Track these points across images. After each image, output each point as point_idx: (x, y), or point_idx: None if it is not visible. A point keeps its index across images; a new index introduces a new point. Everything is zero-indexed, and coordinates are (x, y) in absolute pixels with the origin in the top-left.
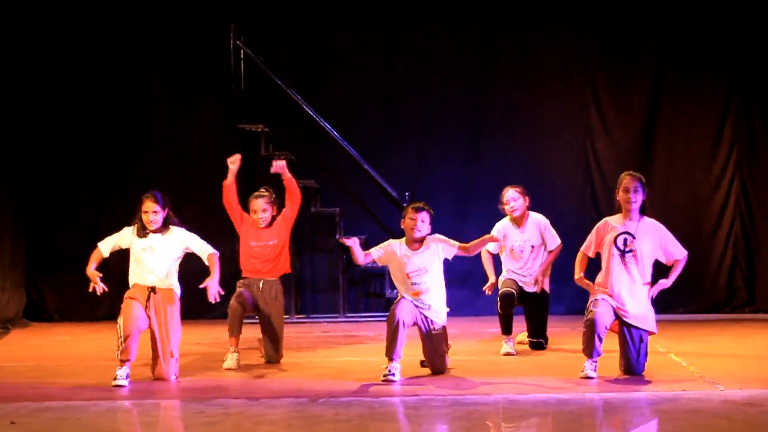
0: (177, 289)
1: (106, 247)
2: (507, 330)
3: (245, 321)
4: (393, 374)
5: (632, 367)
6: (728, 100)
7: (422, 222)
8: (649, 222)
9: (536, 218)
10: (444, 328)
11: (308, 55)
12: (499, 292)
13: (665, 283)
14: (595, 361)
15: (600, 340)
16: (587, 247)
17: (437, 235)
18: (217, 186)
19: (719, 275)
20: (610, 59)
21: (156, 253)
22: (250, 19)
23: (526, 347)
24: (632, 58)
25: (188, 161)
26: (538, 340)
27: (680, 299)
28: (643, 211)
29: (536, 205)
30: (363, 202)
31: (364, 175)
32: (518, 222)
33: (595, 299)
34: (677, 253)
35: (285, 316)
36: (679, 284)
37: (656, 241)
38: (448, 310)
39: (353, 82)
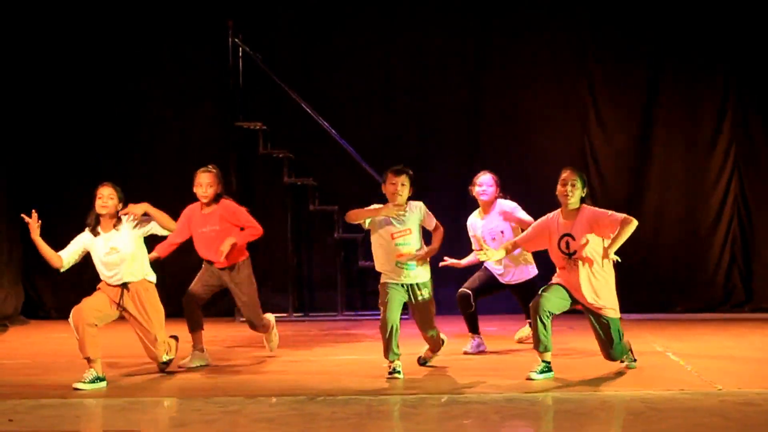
0: (150, 277)
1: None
2: (472, 329)
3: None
4: (398, 371)
5: (607, 355)
6: (726, 98)
7: (402, 186)
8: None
9: (502, 205)
10: (428, 291)
11: (307, 53)
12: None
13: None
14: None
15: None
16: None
17: (419, 202)
18: None
19: (717, 274)
20: (608, 58)
21: (120, 252)
22: (248, 16)
23: (526, 345)
24: (629, 56)
25: (186, 158)
26: None
27: (678, 298)
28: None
29: (534, 204)
30: (361, 200)
31: (362, 174)
32: (485, 210)
33: (548, 285)
34: (614, 224)
35: (283, 314)
36: (677, 283)
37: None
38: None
39: (352, 80)
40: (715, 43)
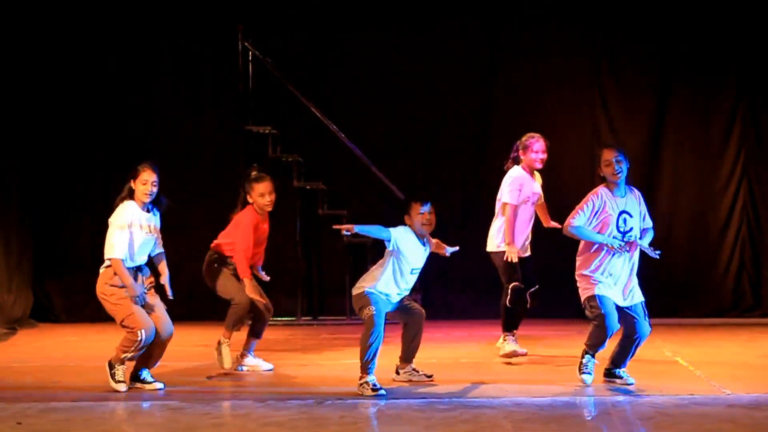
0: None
1: (122, 251)
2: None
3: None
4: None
5: (645, 335)
6: (736, 103)
7: (431, 214)
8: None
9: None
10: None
11: (316, 57)
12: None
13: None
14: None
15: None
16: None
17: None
18: (224, 186)
19: (726, 279)
20: (618, 62)
21: (152, 234)
22: (258, 21)
23: (536, 350)
24: (640, 60)
25: (196, 162)
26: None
27: (687, 303)
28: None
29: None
30: (370, 204)
31: (371, 178)
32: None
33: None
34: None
35: (292, 318)
36: (686, 288)
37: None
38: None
39: (361, 84)
40: (726, 50)
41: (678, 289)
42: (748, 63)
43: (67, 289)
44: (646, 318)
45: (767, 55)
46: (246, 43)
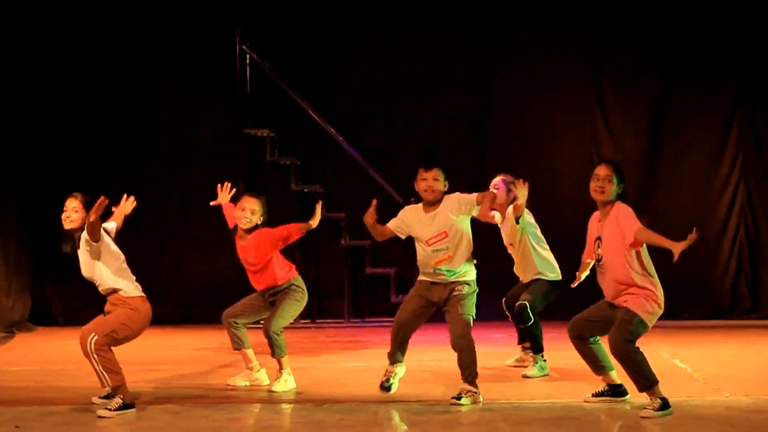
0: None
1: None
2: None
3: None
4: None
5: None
6: (734, 105)
7: (435, 180)
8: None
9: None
10: (469, 285)
11: (314, 60)
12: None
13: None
14: None
15: None
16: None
17: (455, 193)
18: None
19: (724, 281)
20: (616, 64)
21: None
22: (256, 24)
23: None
24: (638, 63)
25: (193, 165)
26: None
27: (685, 305)
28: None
29: (541, 211)
30: (369, 207)
31: (369, 181)
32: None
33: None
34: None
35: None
36: (684, 290)
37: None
38: (475, 261)
39: (359, 87)
40: (724, 53)
41: (676, 291)
42: (747, 66)
43: (66, 293)
44: None
45: (766, 58)
46: (244, 47)
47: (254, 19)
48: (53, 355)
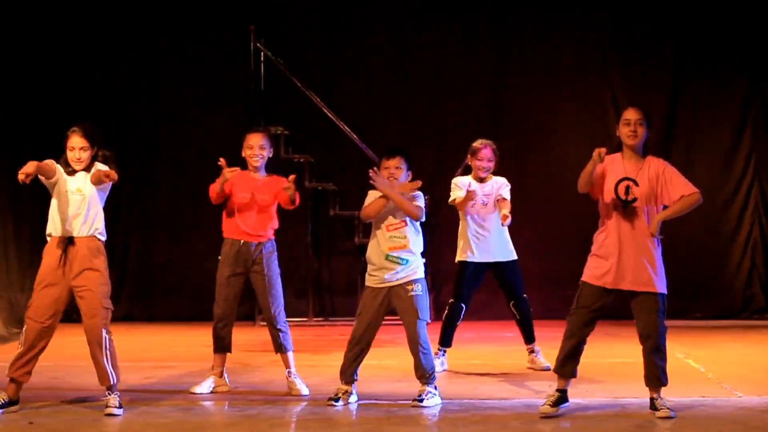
0: (102, 236)
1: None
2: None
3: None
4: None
5: (658, 345)
6: (747, 104)
7: (397, 168)
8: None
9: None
10: (420, 284)
11: (327, 57)
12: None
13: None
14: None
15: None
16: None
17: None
18: None
19: (737, 281)
20: (629, 61)
21: (85, 196)
22: (270, 22)
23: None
24: (650, 60)
25: (207, 162)
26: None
27: (697, 305)
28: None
29: (553, 206)
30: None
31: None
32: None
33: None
34: (682, 189)
35: (303, 319)
36: (697, 289)
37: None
38: (423, 261)
39: (372, 84)
40: (737, 50)
41: (689, 290)
42: (760, 65)
43: None
44: None
45: None
46: (258, 44)
47: (268, 16)
48: (66, 352)
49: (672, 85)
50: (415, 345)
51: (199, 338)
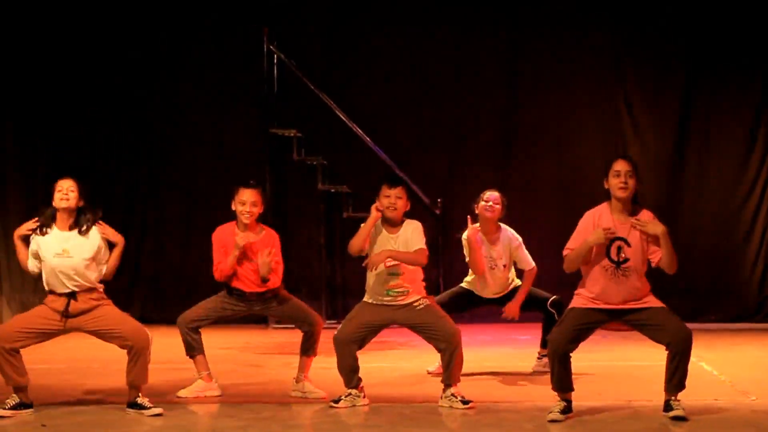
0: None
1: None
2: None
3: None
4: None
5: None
6: (761, 106)
7: (398, 198)
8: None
9: (510, 236)
10: (426, 299)
11: (340, 60)
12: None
13: None
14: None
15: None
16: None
17: (416, 222)
18: None
19: (750, 284)
20: (642, 65)
21: (73, 257)
22: (283, 24)
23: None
24: (664, 64)
25: (219, 165)
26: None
27: (711, 308)
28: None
29: (568, 212)
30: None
31: None
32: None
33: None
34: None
35: None
36: (710, 292)
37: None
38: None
39: (385, 86)
40: (751, 52)
41: (702, 293)
42: None
43: None
44: None
45: None
46: (271, 46)
47: (281, 18)
48: (80, 354)
49: (685, 86)
50: (453, 337)
51: (213, 341)
